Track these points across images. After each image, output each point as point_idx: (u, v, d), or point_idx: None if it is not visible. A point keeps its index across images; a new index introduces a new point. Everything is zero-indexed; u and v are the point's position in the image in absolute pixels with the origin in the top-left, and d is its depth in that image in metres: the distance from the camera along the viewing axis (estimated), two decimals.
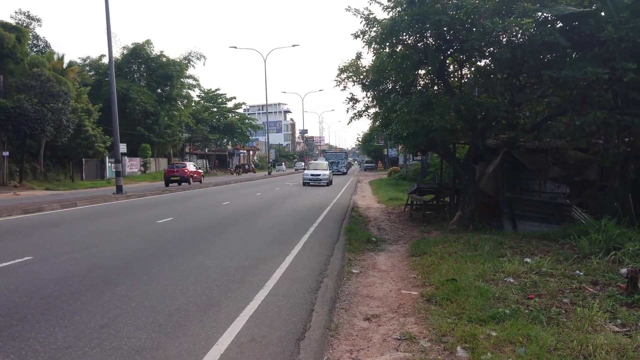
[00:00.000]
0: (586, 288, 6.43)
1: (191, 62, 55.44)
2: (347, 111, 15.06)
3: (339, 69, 14.49)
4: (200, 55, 56.11)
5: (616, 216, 9.57)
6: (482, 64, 12.96)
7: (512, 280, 6.77)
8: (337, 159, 66.34)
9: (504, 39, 10.95)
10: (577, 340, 4.53)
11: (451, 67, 13.89)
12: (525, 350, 4.37)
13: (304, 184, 34.69)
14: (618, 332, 4.90)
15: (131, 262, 8.44)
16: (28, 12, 39.23)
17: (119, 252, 9.45)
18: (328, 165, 40.42)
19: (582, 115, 9.77)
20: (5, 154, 31.08)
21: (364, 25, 12.14)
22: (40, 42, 43.28)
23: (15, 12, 42.70)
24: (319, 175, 35.30)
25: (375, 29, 11.88)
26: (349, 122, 15.45)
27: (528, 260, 7.85)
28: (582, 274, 7.05)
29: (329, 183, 35.35)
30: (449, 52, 12.24)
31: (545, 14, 10.23)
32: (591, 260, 7.71)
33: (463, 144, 15.65)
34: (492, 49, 11.06)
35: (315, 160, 72.14)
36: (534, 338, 4.57)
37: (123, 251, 9.52)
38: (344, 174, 61.26)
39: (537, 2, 10.28)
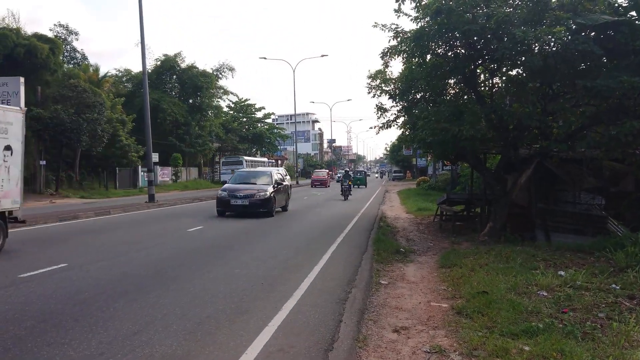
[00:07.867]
0: (622, 302, 6.25)
1: (223, 75, 56.36)
2: (377, 119, 14.98)
3: (369, 76, 14.43)
4: (230, 68, 57.03)
5: None
6: (514, 73, 12.80)
7: (545, 294, 6.63)
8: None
9: (536, 48, 10.80)
10: (613, 356, 4.41)
11: (482, 76, 13.75)
12: None
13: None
14: None
15: (162, 270, 8.57)
16: (67, 24, 40.50)
17: (151, 259, 9.61)
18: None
19: (617, 125, 9.56)
20: (42, 162, 31.94)
21: (392, 39, 12.15)
22: (77, 54, 44.68)
23: (54, 25, 44.14)
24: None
25: (404, 45, 11.88)
26: (378, 132, 15.34)
27: (562, 273, 7.67)
28: (618, 287, 6.86)
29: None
30: (479, 62, 12.14)
31: (578, 23, 10.06)
32: (628, 273, 7.50)
33: (494, 154, 15.44)
34: (523, 57, 10.93)
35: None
36: (568, 353, 4.46)
37: (154, 259, 9.68)
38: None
39: (570, 10, 10.13)
